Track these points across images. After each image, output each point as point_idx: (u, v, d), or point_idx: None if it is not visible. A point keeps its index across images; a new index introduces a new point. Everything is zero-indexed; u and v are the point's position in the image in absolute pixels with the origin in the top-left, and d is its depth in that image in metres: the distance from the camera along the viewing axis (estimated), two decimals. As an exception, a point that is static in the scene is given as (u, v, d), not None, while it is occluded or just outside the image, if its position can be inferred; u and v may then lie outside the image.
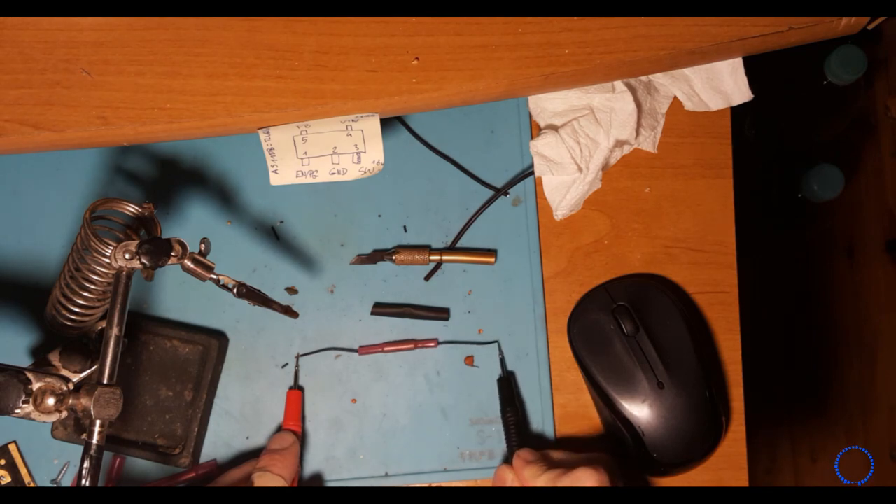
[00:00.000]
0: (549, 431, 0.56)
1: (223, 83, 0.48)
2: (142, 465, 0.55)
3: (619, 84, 0.55)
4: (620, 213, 0.58)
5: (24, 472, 0.55)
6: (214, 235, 0.53)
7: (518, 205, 0.58)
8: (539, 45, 0.48)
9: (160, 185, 0.57)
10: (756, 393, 0.63)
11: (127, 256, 0.42)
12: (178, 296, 0.57)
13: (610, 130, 0.55)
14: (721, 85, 0.56)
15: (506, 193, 0.58)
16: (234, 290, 0.46)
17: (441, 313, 0.57)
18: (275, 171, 0.51)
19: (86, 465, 0.41)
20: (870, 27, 0.51)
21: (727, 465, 0.57)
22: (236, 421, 0.56)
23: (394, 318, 0.57)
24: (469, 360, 0.57)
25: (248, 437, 0.56)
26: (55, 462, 0.55)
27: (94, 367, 0.50)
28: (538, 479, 0.49)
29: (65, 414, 0.41)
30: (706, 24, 0.49)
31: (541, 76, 0.49)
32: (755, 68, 0.56)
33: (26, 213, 0.57)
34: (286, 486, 0.51)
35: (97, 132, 0.48)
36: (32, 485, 0.55)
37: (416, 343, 0.57)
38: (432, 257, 0.57)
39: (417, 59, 0.48)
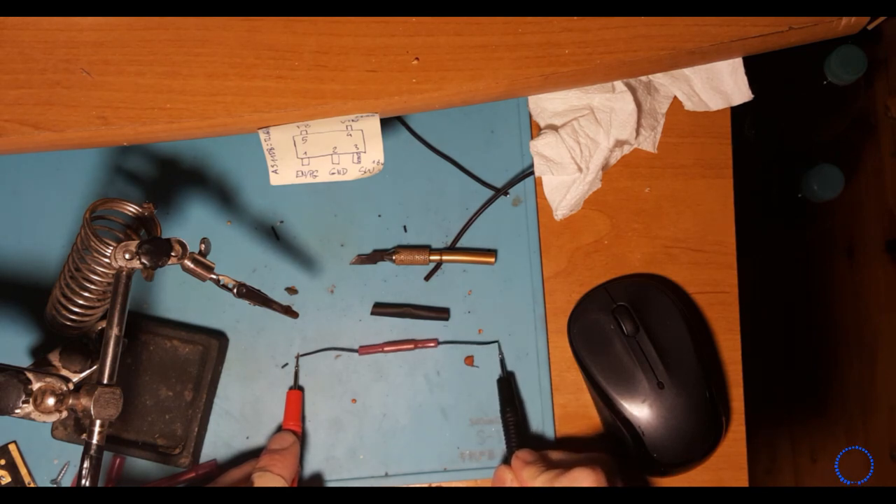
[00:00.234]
0: (549, 431, 0.56)
1: (223, 83, 0.48)
2: (142, 465, 0.55)
3: (619, 84, 0.55)
4: (620, 213, 0.58)
5: (24, 472, 0.55)
6: (214, 235, 0.53)
7: (518, 205, 0.58)
8: (539, 45, 0.48)
9: (160, 185, 0.57)
10: (756, 393, 0.63)
11: (127, 256, 0.42)
12: (178, 296, 0.57)
13: (610, 130, 0.55)
14: (721, 85, 0.56)
15: (506, 193, 0.58)
16: (234, 290, 0.46)
17: (441, 313, 0.57)
18: (275, 171, 0.50)
19: (86, 465, 0.41)
20: (870, 27, 0.51)
21: (727, 465, 0.57)
22: (236, 421, 0.56)
23: (394, 318, 0.57)
24: (469, 360, 0.57)
25: (248, 437, 0.56)
26: (55, 462, 0.55)
27: (94, 367, 0.50)
28: (536, 479, 0.49)
29: (65, 414, 0.41)
30: (706, 24, 0.49)
31: (541, 76, 0.49)
32: (755, 68, 0.56)
33: (26, 213, 0.57)
34: (286, 486, 0.51)
35: (97, 132, 0.48)
36: (32, 485, 0.55)
37: (416, 343, 0.57)
38: (432, 257, 0.57)
39: (417, 59, 0.48)
